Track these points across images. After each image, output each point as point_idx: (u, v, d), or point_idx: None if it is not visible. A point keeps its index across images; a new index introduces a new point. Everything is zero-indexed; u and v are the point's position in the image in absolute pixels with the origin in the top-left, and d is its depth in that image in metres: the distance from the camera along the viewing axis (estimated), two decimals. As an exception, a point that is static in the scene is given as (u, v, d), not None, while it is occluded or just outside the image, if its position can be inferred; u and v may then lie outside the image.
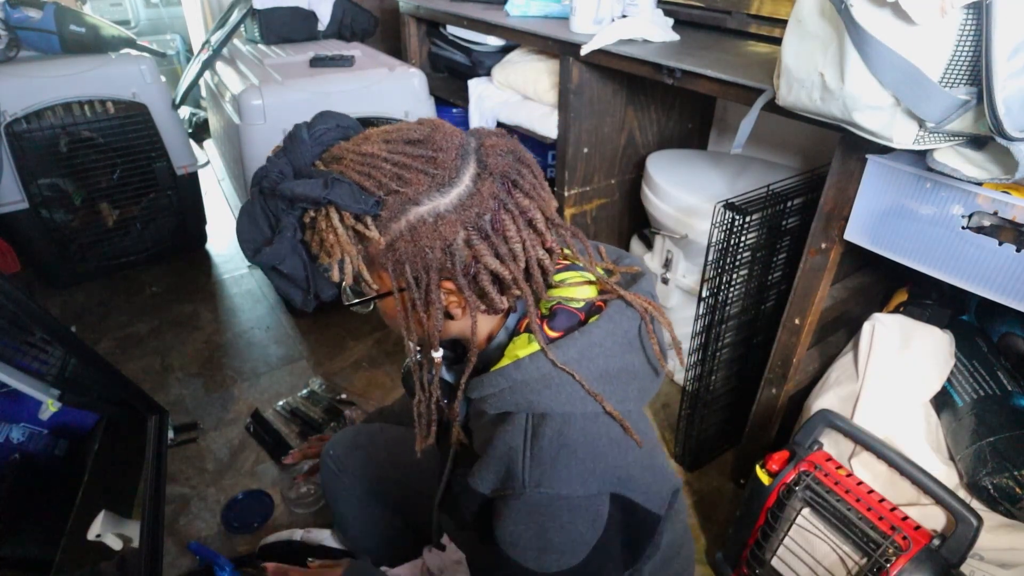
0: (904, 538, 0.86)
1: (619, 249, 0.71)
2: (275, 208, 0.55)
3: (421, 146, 0.54)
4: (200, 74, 1.85)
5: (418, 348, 0.62)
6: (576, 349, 0.57)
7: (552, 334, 0.59)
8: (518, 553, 0.58)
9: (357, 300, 0.60)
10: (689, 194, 1.40)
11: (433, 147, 0.53)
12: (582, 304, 0.62)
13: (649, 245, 1.64)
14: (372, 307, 0.62)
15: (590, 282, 0.64)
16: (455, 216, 0.53)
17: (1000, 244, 0.75)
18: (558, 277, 0.64)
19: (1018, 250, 0.74)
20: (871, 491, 0.92)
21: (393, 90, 1.71)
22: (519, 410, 0.58)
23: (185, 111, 3.13)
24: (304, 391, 1.65)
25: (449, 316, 0.59)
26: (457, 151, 0.54)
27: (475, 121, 1.81)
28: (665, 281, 1.56)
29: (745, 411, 1.27)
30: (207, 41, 1.87)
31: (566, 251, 0.66)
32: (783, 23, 0.84)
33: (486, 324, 0.63)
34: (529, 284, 0.57)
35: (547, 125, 1.58)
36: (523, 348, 0.59)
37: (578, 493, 0.55)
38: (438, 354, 0.61)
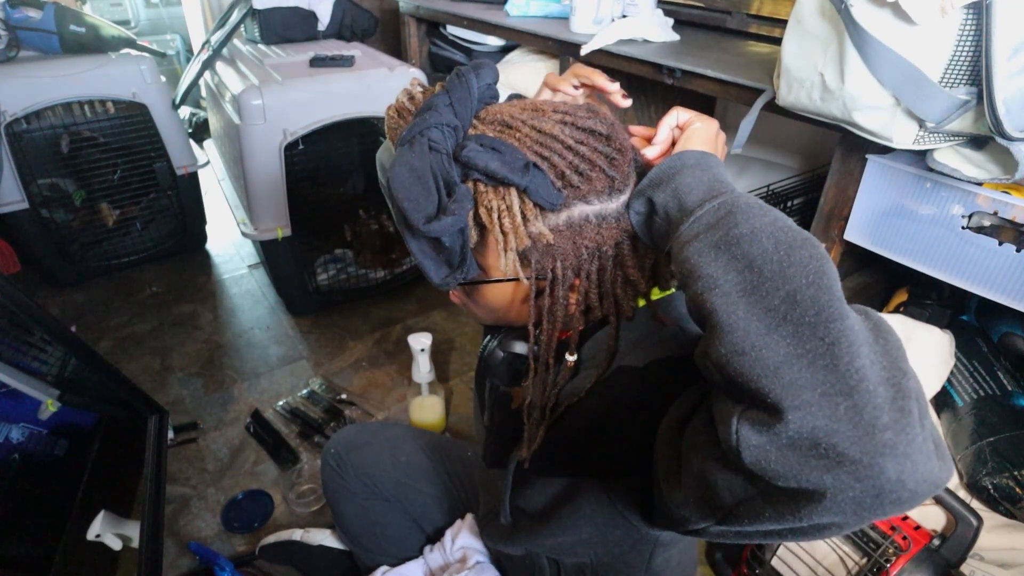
0: (904, 538, 0.86)
1: None
2: (444, 171, 0.49)
3: (605, 142, 0.50)
4: (200, 74, 1.85)
5: (535, 345, 0.58)
6: None
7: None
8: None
9: (481, 281, 0.56)
10: (689, 194, 1.39)
11: (616, 146, 0.51)
12: None
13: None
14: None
15: None
16: (616, 223, 0.51)
17: (1000, 244, 0.75)
18: None
19: (1018, 250, 0.74)
20: (871, 491, 0.92)
21: (393, 90, 1.69)
22: None
23: (185, 111, 3.13)
24: (304, 391, 1.65)
25: (588, 311, 0.57)
26: (632, 155, 0.52)
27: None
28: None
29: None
30: (207, 41, 1.87)
31: None
32: (783, 23, 0.84)
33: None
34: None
35: (547, 125, 1.58)
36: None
37: None
38: (573, 357, 0.58)
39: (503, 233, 0.50)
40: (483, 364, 0.71)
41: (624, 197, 0.52)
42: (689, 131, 0.52)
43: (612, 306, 0.55)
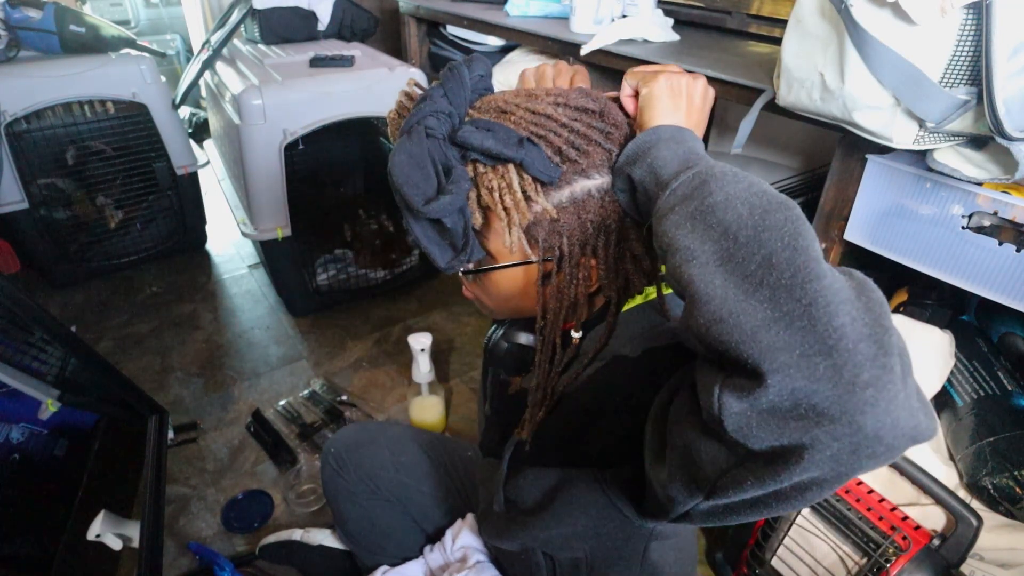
0: (904, 538, 0.86)
1: None
2: (442, 155, 0.50)
3: (599, 118, 0.52)
4: (200, 74, 1.85)
5: (542, 325, 0.58)
6: None
7: None
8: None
9: (489, 268, 0.56)
10: (689, 194, 1.39)
11: (611, 121, 0.53)
12: None
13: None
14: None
15: None
16: None
17: (1000, 244, 0.75)
18: None
19: (1018, 250, 0.74)
20: (871, 491, 0.92)
21: (393, 90, 1.70)
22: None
23: (185, 111, 3.12)
24: (305, 391, 1.65)
25: (596, 293, 0.57)
26: (627, 130, 0.53)
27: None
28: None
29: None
30: (207, 41, 1.87)
31: None
32: (783, 23, 0.84)
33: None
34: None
35: (547, 125, 1.58)
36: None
37: None
38: (578, 335, 0.59)
39: (505, 210, 0.51)
40: (488, 354, 0.72)
41: None
42: (645, 99, 0.52)
43: (623, 284, 0.56)
